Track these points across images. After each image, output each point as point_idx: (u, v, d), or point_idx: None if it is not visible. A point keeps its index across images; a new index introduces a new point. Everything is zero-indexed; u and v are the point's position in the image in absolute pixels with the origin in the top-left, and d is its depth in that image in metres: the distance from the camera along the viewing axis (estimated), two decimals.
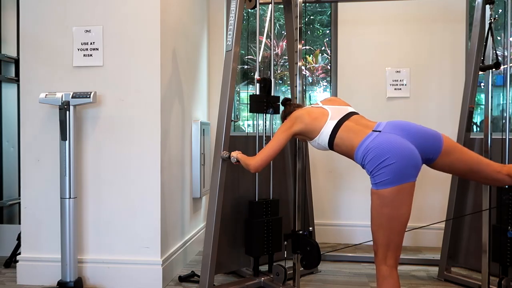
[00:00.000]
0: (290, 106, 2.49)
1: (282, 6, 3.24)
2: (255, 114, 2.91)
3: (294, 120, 2.19)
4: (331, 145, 2.08)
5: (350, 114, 2.10)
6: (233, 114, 2.95)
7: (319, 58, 5.55)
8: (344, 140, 2.01)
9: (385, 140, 1.84)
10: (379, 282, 1.87)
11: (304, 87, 3.07)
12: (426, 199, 3.87)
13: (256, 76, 2.83)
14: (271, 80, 2.84)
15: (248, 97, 2.82)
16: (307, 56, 5.39)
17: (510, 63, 2.66)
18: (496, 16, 2.59)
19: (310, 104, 2.52)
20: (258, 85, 2.82)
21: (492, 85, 2.62)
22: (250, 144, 2.96)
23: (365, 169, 1.92)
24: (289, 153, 3.20)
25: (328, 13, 4.69)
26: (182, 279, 2.98)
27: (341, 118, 2.07)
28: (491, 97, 2.62)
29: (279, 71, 5.90)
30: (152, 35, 2.83)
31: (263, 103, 2.81)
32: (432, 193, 3.85)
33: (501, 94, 2.76)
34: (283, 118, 2.47)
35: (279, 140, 2.19)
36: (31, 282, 2.91)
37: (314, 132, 2.11)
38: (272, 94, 2.85)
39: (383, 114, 3.92)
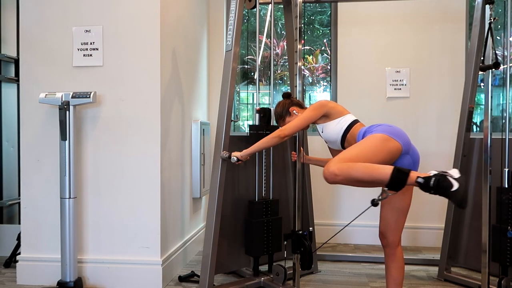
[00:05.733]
0: (293, 99, 2.66)
1: (282, 6, 3.24)
2: (255, 114, 2.92)
3: (325, 102, 2.41)
4: (347, 131, 2.33)
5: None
6: (233, 114, 2.95)
7: (319, 58, 5.55)
8: (353, 133, 2.33)
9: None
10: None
11: (304, 87, 3.07)
12: (426, 198, 3.86)
13: (256, 107, 2.87)
14: (270, 110, 2.88)
15: (248, 128, 2.86)
16: (307, 56, 5.40)
17: (510, 63, 2.66)
18: (496, 17, 2.59)
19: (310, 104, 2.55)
20: (257, 115, 2.87)
21: (492, 85, 2.62)
22: (250, 144, 2.95)
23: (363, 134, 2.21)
24: (289, 153, 3.20)
25: (328, 13, 4.69)
26: (182, 279, 2.98)
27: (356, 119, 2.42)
28: (491, 97, 2.62)
29: (279, 71, 5.91)
30: (152, 35, 2.83)
31: (262, 134, 2.84)
32: None
33: (501, 94, 2.77)
34: (283, 114, 2.61)
35: (310, 117, 2.38)
36: (31, 282, 2.91)
37: (340, 113, 2.38)
38: (271, 124, 2.90)
39: (383, 114, 3.93)
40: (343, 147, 2.40)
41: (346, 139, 2.35)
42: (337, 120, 2.38)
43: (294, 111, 2.58)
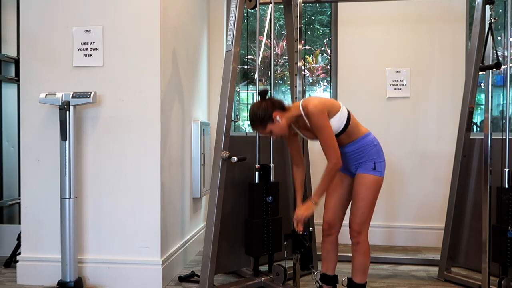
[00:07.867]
0: (273, 101, 2.34)
1: (282, 6, 3.24)
2: (255, 172, 2.93)
3: (320, 104, 2.25)
4: (346, 126, 2.29)
5: None
6: (233, 114, 2.95)
7: (319, 58, 5.55)
8: (352, 124, 2.32)
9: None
10: (367, 253, 2.53)
11: (304, 87, 3.07)
12: (427, 199, 3.87)
13: (256, 165, 2.87)
14: (270, 167, 2.89)
15: (248, 186, 2.90)
16: (307, 56, 5.40)
17: (510, 63, 2.66)
18: (496, 17, 2.59)
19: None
20: (257, 173, 2.86)
21: (492, 85, 2.62)
22: (249, 144, 2.96)
23: (367, 151, 2.29)
24: (289, 154, 3.19)
25: (328, 13, 4.69)
26: (182, 279, 2.98)
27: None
28: (491, 97, 2.62)
29: (279, 71, 5.90)
30: (152, 35, 2.83)
31: (262, 192, 2.85)
32: (433, 192, 3.85)
33: (501, 94, 2.76)
34: (265, 120, 2.30)
35: (328, 124, 2.25)
36: (31, 282, 2.91)
37: (335, 109, 2.28)
38: (271, 180, 2.91)
39: (383, 114, 3.93)
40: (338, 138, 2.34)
41: (345, 132, 2.30)
42: (337, 115, 2.27)
43: (277, 118, 2.26)
